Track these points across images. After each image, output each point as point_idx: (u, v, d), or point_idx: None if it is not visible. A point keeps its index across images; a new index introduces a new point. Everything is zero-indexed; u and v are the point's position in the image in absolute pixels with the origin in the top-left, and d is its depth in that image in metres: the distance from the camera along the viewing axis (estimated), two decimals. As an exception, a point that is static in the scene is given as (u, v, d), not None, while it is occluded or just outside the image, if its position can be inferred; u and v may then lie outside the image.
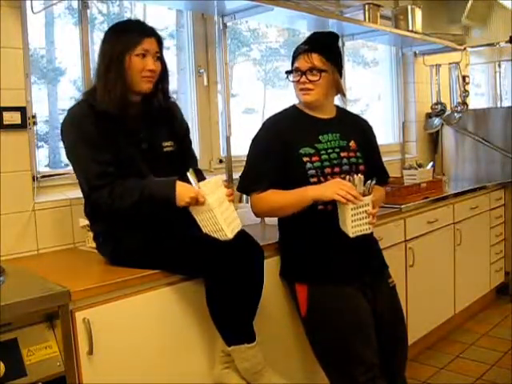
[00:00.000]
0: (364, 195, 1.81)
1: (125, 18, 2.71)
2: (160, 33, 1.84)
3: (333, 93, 2.00)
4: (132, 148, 1.79)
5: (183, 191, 1.65)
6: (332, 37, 2.00)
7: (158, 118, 1.87)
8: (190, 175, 1.68)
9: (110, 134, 1.74)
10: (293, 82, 1.96)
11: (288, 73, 1.98)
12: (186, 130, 2.02)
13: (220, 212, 1.63)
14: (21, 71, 2.05)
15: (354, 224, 1.81)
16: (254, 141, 2.00)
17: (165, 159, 1.86)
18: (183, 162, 1.90)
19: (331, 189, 1.80)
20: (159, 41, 1.81)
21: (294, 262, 2.00)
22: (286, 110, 2.06)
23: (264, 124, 2.03)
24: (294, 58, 1.96)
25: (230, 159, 2.86)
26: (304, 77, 1.91)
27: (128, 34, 1.75)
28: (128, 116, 1.78)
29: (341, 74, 1.99)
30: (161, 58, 1.82)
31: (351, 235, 1.81)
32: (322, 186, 1.85)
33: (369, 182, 1.83)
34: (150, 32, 1.78)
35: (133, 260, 1.76)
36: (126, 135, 1.78)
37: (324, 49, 1.92)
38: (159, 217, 1.76)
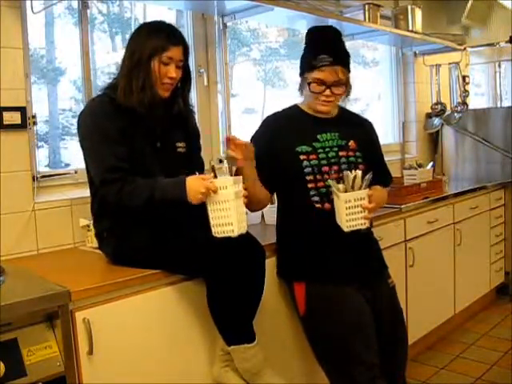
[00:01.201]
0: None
1: (125, 18, 2.72)
2: (184, 38, 1.84)
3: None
4: (146, 145, 1.80)
5: (193, 188, 1.64)
6: (339, 34, 1.98)
7: (174, 118, 1.88)
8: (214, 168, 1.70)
9: (127, 129, 1.75)
10: (314, 92, 1.92)
11: (309, 84, 1.91)
12: (197, 134, 2.04)
13: (235, 205, 1.63)
14: (21, 71, 2.05)
15: (348, 218, 1.79)
16: (252, 138, 2.01)
17: (177, 159, 1.88)
18: (190, 165, 1.91)
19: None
20: (185, 49, 1.82)
21: (291, 260, 2.00)
22: (287, 108, 2.06)
23: (263, 122, 2.03)
24: (313, 67, 1.89)
25: (230, 159, 2.86)
26: (329, 90, 1.90)
27: (158, 38, 1.76)
28: (150, 114, 1.78)
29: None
30: (184, 66, 1.84)
31: (345, 229, 1.80)
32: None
33: (366, 176, 1.82)
34: (178, 40, 1.79)
35: (136, 258, 1.77)
36: (142, 132, 1.79)
37: (346, 60, 1.93)
38: (165, 216, 1.76)
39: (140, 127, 1.78)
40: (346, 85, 1.94)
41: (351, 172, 1.83)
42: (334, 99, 1.94)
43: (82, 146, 1.81)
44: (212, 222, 1.67)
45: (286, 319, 2.11)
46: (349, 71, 1.94)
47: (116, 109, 1.75)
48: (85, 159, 1.82)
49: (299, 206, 1.93)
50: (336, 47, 1.93)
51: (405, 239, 2.86)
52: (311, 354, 2.01)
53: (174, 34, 1.81)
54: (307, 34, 2.01)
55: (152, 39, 1.76)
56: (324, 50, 1.89)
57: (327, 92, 1.90)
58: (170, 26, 1.85)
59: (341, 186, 1.82)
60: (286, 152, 1.92)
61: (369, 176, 1.82)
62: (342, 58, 1.91)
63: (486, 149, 4.04)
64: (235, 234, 1.64)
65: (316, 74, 1.89)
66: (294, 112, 2.03)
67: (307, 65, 1.92)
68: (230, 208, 1.63)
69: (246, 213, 1.76)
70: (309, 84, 1.91)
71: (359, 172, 1.82)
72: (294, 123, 1.98)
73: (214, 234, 1.67)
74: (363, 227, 1.83)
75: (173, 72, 1.77)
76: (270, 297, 1.98)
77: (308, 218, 1.92)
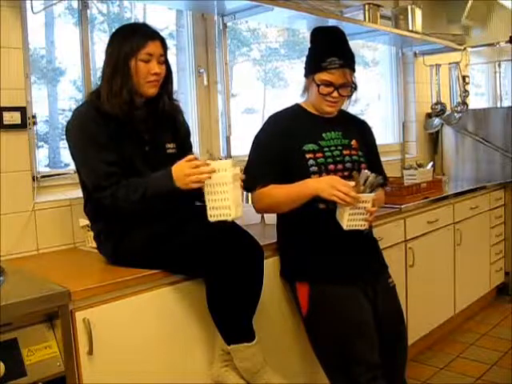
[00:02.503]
0: (365, 192, 1.81)
1: (125, 18, 2.72)
2: (160, 33, 1.84)
3: None
4: (135, 149, 1.79)
5: (179, 173, 1.64)
6: (345, 35, 1.98)
7: (162, 119, 1.88)
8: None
9: (115, 135, 1.75)
10: (322, 94, 1.93)
11: (318, 85, 1.92)
12: (187, 132, 2.03)
13: (232, 187, 1.63)
14: (21, 71, 2.05)
15: (350, 217, 1.81)
16: (256, 137, 2.01)
17: (167, 161, 1.86)
18: None
19: (327, 189, 1.79)
20: (163, 44, 1.82)
21: (294, 261, 2.00)
22: (288, 108, 2.06)
23: (267, 120, 2.03)
24: (324, 69, 1.89)
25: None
26: (336, 92, 1.91)
27: (133, 37, 1.76)
28: (133, 118, 1.78)
29: None
30: (165, 61, 1.83)
31: (345, 228, 1.82)
32: (320, 183, 1.84)
33: (375, 178, 1.83)
34: (155, 35, 1.79)
35: (134, 259, 1.77)
36: (131, 137, 1.79)
37: (353, 62, 1.94)
38: (162, 216, 1.76)
39: (127, 132, 1.78)
40: (352, 85, 1.95)
41: (360, 172, 1.83)
42: (340, 100, 1.95)
43: (72, 155, 1.82)
44: (208, 205, 1.65)
45: (286, 319, 2.11)
46: (354, 72, 1.95)
47: (101, 115, 1.74)
48: (76, 167, 1.83)
49: (303, 206, 1.92)
50: (345, 49, 1.94)
51: (405, 239, 2.85)
52: (311, 354, 2.01)
53: (148, 30, 1.80)
54: (313, 34, 2.01)
55: (127, 41, 1.75)
56: (333, 53, 1.89)
57: (335, 94, 1.92)
58: (143, 24, 1.85)
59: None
60: (292, 150, 1.92)
61: (379, 179, 1.83)
62: (350, 61, 1.92)
63: (486, 149, 4.04)
64: (231, 217, 1.63)
65: (325, 76, 1.90)
66: (296, 111, 2.03)
67: (316, 66, 1.92)
68: (227, 191, 1.62)
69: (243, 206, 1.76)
70: (318, 86, 1.91)
71: (368, 172, 1.83)
72: (299, 122, 1.99)
73: (209, 217, 1.65)
74: (362, 228, 1.85)
75: (156, 68, 1.77)
76: (270, 297, 1.98)
77: (311, 218, 1.92)
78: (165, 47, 1.82)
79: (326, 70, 1.89)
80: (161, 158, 1.85)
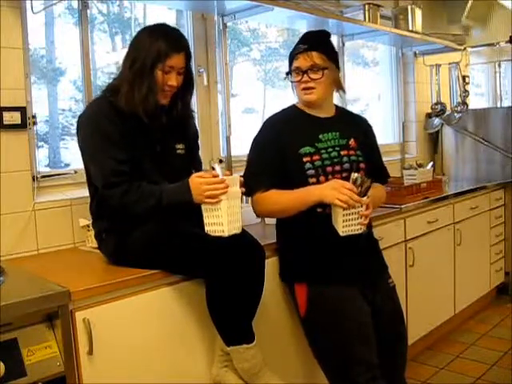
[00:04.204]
0: (360, 195, 1.81)
1: (125, 18, 2.72)
2: (187, 42, 1.84)
3: (333, 90, 2.02)
4: (146, 148, 1.80)
5: (195, 187, 1.66)
6: (325, 34, 2.02)
7: (173, 121, 1.88)
8: (218, 166, 1.70)
9: (127, 133, 1.75)
10: (293, 82, 1.96)
11: (287, 74, 1.98)
12: (195, 134, 2.04)
13: (227, 206, 1.65)
14: (21, 71, 2.05)
15: (344, 224, 1.81)
16: (254, 141, 2.01)
17: (176, 161, 1.88)
18: (190, 166, 1.91)
19: (331, 193, 1.79)
20: (188, 55, 1.81)
21: (292, 262, 2.00)
22: (285, 109, 2.06)
23: (264, 124, 2.03)
24: (292, 59, 1.96)
25: (230, 159, 2.86)
26: (306, 76, 1.91)
27: (160, 44, 1.73)
28: (150, 123, 1.78)
29: (339, 70, 2.02)
30: (186, 72, 1.83)
31: (341, 234, 1.82)
32: (323, 189, 1.83)
33: (369, 183, 1.82)
34: (180, 47, 1.78)
35: (135, 259, 1.77)
36: (142, 136, 1.79)
37: (323, 47, 1.94)
38: (163, 216, 1.76)
39: (140, 131, 1.78)
40: (329, 71, 1.92)
41: (355, 174, 1.83)
42: (315, 86, 1.92)
43: (81, 149, 1.82)
44: (205, 221, 1.69)
45: (286, 320, 2.11)
46: (330, 59, 1.94)
47: (116, 112, 1.75)
48: (84, 162, 1.83)
49: None
50: (313, 38, 1.97)
51: (405, 239, 2.85)
52: (311, 355, 2.01)
53: (176, 40, 1.78)
54: None
55: (154, 45, 1.74)
56: (299, 42, 1.96)
57: (304, 78, 1.92)
58: (173, 31, 1.82)
59: None
60: (289, 154, 1.92)
61: (370, 183, 1.83)
62: (317, 45, 1.93)
63: (486, 149, 4.04)
64: (226, 234, 1.66)
65: (294, 64, 1.95)
66: (293, 113, 2.03)
67: (289, 60, 1.99)
68: (220, 208, 1.65)
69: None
70: (287, 74, 1.97)
71: (363, 176, 1.83)
72: (295, 124, 1.98)
73: (206, 232, 1.69)
74: (358, 232, 1.85)
75: (173, 80, 1.77)
76: (270, 298, 1.98)
77: (309, 221, 1.91)
78: (188, 59, 1.81)
79: (294, 58, 1.95)
80: (170, 158, 1.87)
